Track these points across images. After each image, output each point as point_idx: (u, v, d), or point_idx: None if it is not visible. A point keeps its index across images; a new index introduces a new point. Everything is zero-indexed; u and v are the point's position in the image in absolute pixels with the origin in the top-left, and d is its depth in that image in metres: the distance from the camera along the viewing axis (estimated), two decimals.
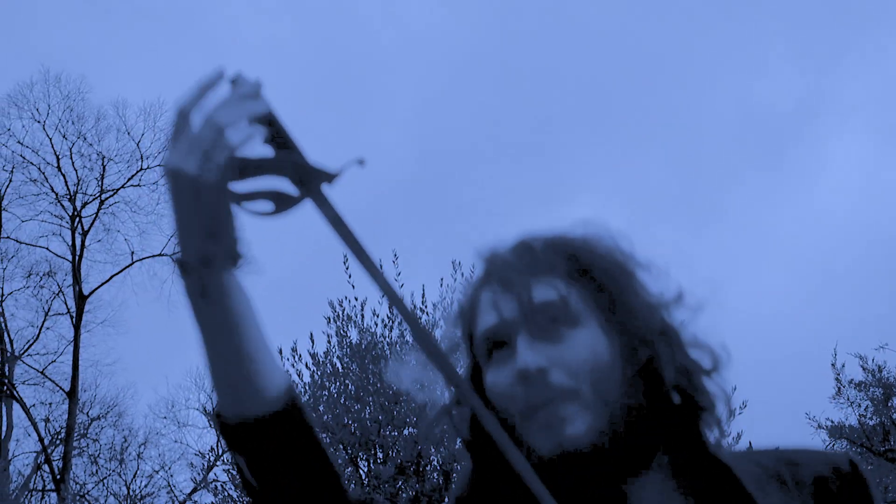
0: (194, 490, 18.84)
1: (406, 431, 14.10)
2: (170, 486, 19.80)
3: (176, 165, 1.10)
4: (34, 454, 22.30)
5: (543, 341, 1.27)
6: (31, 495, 19.41)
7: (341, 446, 13.59)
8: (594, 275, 1.32)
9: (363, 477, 13.70)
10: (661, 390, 1.29)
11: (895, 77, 39.39)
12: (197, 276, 1.18)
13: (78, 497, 18.21)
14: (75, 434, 21.93)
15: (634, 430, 1.26)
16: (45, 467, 21.58)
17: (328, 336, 14.99)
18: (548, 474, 1.20)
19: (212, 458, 18.31)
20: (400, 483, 13.76)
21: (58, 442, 22.27)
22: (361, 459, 13.94)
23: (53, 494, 19.50)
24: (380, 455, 13.97)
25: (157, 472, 20.52)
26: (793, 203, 38.37)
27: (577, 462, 1.24)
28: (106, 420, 23.36)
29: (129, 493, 19.48)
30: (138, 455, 21.21)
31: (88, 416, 23.13)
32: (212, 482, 17.70)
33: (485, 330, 1.33)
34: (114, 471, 20.84)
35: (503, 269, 1.34)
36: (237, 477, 15.87)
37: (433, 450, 13.67)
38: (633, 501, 1.26)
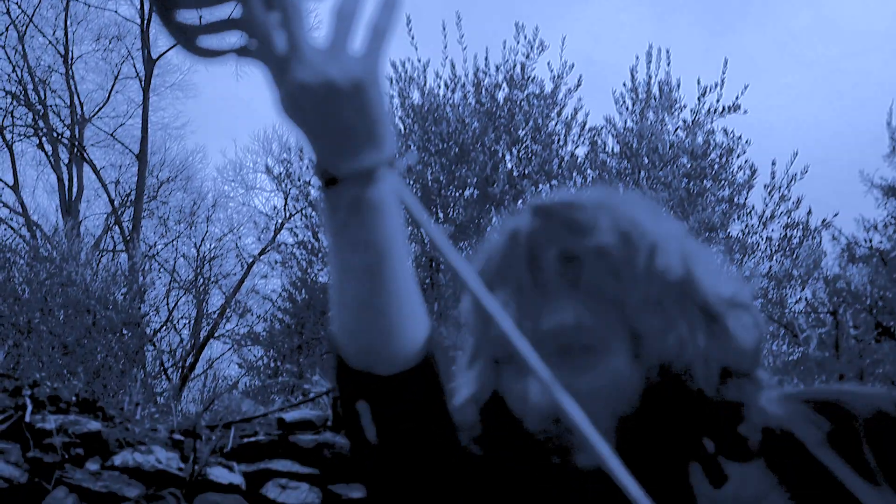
0: (262, 251, 19.05)
1: (467, 192, 14.04)
2: (238, 247, 20.07)
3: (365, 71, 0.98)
4: (104, 215, 22.80)
5: (556, 369, 1.09)
6: (102, 255, 19.78)
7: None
8: (608, 290, 1.12)
9: (425, 240, 13.72)
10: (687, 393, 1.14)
11: None
12: (350, 189, 0.99)
13: (147, 258, 18.54)
14: (145, 196, 22.24)
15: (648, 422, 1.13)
16: (116, 228, 22.06)
17: (390, 97, 14.72)
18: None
19: (278, 221, 18.46)
20: (460, 244, 13.77)
21: (128, 204, 22.65)
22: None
23: (123, 255, 19.91)
24: (440, 215, 13.95)
25: (226, 234, 20.78)
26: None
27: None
28: (175, 183, 23.61)
29: (198, 254, 19.78)
30: (207, 218, 21.45)
31: (158, 178, 23.39)
32: (279, 245, 17.93)
33: (492, 337, 1.16)
34: (183, 233, 21.19)
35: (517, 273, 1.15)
36: (299, 236, 16.04)
37: (493, 210, 13.61)
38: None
